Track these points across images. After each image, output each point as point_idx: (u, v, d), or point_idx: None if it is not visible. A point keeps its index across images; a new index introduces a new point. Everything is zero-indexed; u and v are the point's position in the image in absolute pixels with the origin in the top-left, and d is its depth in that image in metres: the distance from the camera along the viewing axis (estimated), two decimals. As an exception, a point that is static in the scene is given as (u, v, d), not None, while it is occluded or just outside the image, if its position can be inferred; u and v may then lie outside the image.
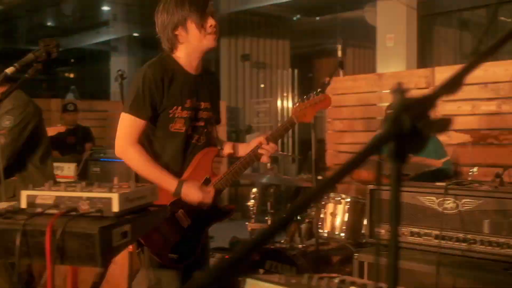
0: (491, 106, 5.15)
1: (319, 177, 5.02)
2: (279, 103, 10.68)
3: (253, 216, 4.61)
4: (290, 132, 9.98)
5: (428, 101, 0.89)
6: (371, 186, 2.94)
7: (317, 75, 13.63)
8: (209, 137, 2.91)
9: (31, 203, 2.05)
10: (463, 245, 2.55)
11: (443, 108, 5.47)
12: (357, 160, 0.84)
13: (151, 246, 2.65)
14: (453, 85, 0.94)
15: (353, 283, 1.50)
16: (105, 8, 12.87)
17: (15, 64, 2.43)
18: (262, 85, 12.60)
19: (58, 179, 3.72)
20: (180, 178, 2.71)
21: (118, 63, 13.66)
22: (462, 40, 9.58)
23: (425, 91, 0.90)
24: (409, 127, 0.85)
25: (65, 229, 1.86)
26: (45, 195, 2.05)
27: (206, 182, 2.83)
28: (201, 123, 2.84)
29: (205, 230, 2.94)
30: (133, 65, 13.75)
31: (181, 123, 2.74)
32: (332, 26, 11.57)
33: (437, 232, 2.62)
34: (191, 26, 2.69)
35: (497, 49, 1.01)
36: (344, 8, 10.54)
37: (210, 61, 12.46)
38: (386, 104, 5.39)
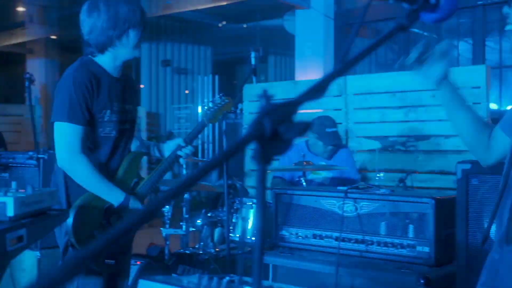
0: (399, 114, 5.39)
1: (239, 182, 5.09)
2: (200, 109, 10.68)
3: (168, 222, 4.63)
4: (211, 138, 10.02)
5: (290, 107, 0.95)
6: (276, 191, 3.02)
7: (239, 82, 13.73)
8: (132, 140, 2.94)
9: None
10: (362, 246, 2.67)
11: (355, 115, 5.67)
12: (219, 159, 0.89)
13: None
14: (316, 92, 1.01)
15: (242, 282, 1.55)
16: (20, 8, 12.47)
17: None
18: (187, 91, 12.55)
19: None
20: (111, 181, 2.70)
21: (34, 66, 13.26)
22: (376, 50, 9.84)
23: (291, 99, 0.97)
24: (271, 130, 0.91)
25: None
26: None
27: (135, 186, 2.85)
28: (127, 126, 2.85)
29: (133, 236, 2.94)
30: (50, 68, 13.37)
31: (111, 127, 2.72)
32: (254, 34, 11.72)
33: (337, 234, 2.73)
34: (132, 34, 2.70)
35: (358, 61, 1.09)
36: (265, 17, 10.69)
37: (130, 66, 12.31)
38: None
